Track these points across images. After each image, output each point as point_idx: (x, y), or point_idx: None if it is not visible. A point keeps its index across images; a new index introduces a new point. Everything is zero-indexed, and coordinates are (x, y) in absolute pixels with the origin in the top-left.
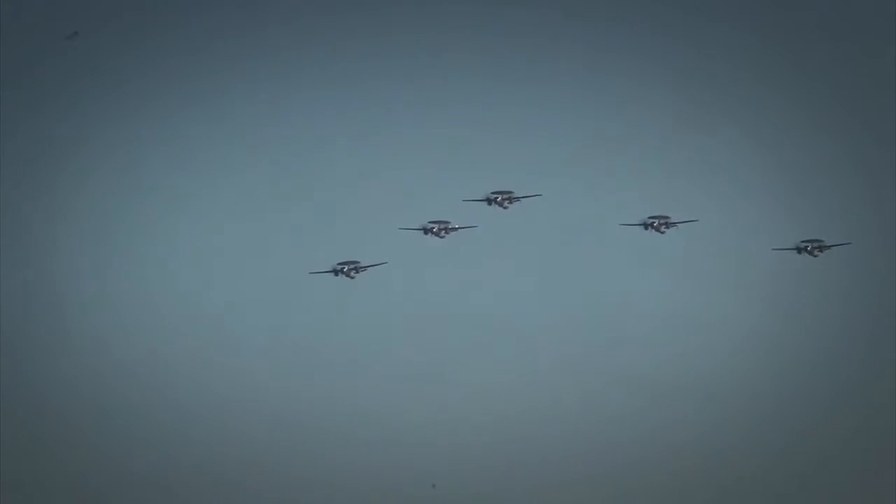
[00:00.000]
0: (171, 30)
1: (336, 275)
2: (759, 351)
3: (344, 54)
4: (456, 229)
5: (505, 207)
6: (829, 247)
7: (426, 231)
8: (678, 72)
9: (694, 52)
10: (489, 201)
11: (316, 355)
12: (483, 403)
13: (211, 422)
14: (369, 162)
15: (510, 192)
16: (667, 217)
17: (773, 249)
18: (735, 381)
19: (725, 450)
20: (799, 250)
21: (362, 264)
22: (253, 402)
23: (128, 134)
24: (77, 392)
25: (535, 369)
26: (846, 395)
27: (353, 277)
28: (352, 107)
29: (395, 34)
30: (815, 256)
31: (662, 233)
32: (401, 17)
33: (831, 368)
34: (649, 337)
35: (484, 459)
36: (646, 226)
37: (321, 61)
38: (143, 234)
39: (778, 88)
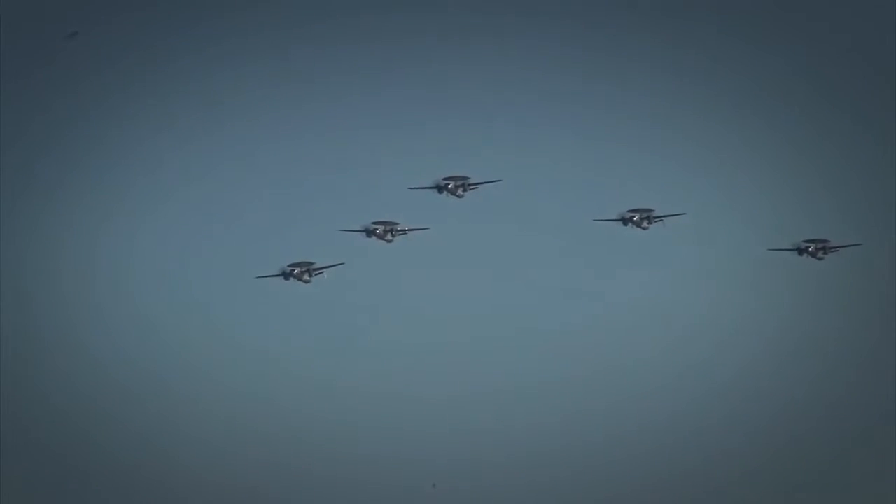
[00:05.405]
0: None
1: (286, 278)
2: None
3: (284, 37)
4: (405, 232)
5: (459, 196)
6: (837, 248)
7: (369, 233)
8: (665, 52)
9: (684, 36)
10: (440, 189)
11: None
12: (476, 406)
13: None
14: (304, 140)
15: (465, 178)
16: (650, 210)
17: (770, 250)
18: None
19: (711, 447)
20: (800, 251)
21: (316, 266)
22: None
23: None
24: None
25: (515, 372)
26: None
27: (307, 281)
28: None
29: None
30: (820, 259)
31: (645, 228)
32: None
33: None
34: (629, 345)
35: (474, 459)
36: (625, 220)
37: (261, 50)
38: (81, 239)
39: (775, 76)
